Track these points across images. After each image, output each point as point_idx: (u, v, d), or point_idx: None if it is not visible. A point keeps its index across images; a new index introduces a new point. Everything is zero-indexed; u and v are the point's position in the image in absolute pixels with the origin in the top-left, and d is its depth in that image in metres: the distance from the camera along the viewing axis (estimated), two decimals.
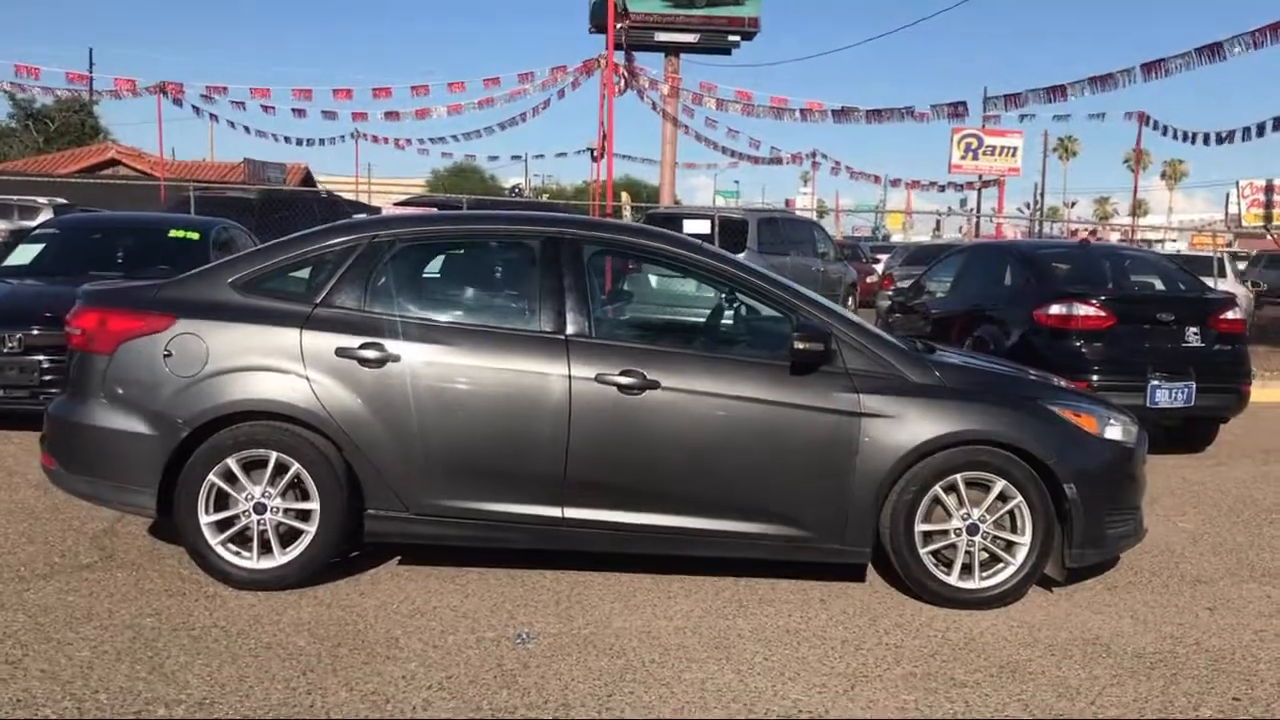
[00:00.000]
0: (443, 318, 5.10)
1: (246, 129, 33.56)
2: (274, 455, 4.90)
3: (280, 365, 4.91)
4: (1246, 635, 4.87)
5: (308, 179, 42.65)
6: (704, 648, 4.48)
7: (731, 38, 39.74)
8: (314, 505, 4.93)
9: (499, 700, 3.92)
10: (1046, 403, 5.20)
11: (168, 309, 5.00)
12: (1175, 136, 29.30)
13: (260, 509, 4.94)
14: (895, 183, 50.05)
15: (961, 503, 5.03)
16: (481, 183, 72.03)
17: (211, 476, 4.91)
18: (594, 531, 5.02)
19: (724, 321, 5.58)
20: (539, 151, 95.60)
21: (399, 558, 5.46)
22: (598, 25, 38.14)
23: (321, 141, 40.67)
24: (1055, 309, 8.62)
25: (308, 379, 4.89)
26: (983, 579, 5.07)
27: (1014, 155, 42.05)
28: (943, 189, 43.74)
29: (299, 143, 36.78)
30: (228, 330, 4.96)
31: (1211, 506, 7.30)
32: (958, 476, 5.01)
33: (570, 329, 4.99)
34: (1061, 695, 4.13)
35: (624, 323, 5.58)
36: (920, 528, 5.02)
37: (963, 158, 41.53)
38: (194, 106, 32.50)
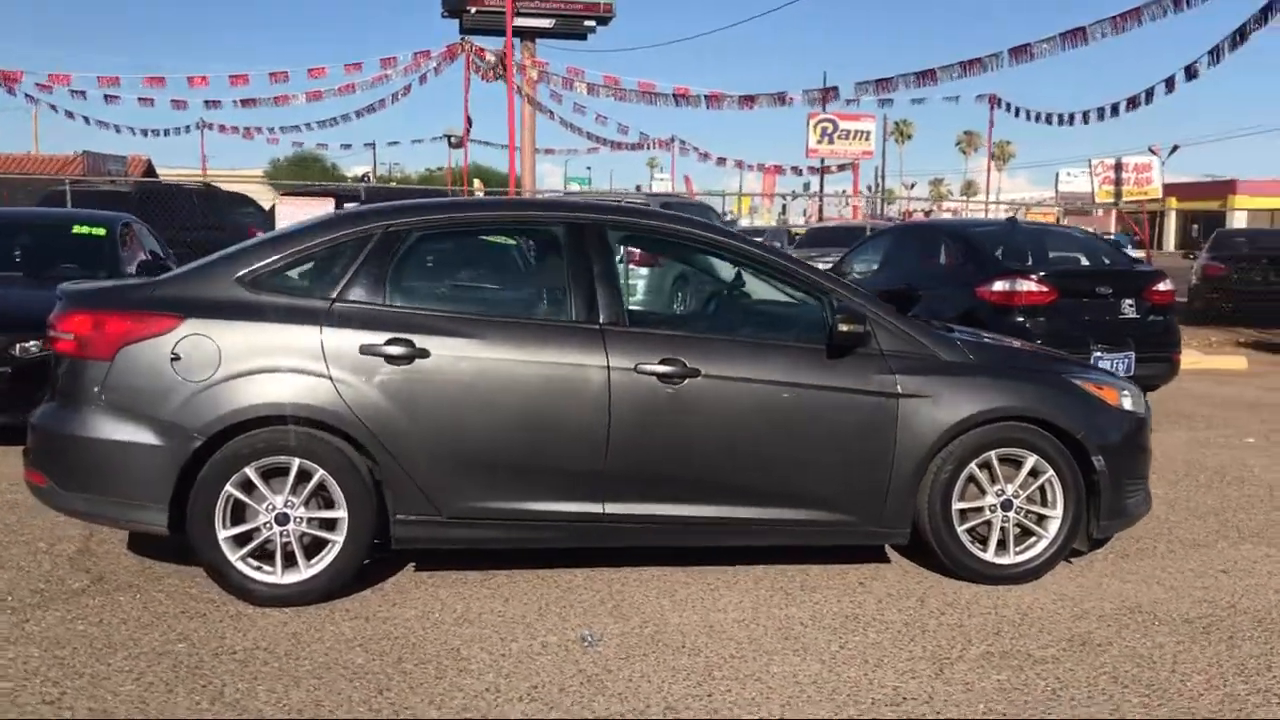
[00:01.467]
0: (470, 309, 4.86)
1: (86, 119, 31.82)
2: (296, 462, 4.59)
3: (301, 366, 4.59)
4: (1271, 595, 5.02)
5: (149, 171, 40.71)
6: (774, 639, 4.39)
7: (587, 23, 39.54)
8: (340, 513, 4.64)
9: (598, 707, 3.75)
10: (1071, 377, 5.26)
11: (173, 309, 4.62)
12: (1029, 118, 30.53)
13: (282, 520, 4.62)
14: (750, 166, 50.60)
15: (995, 479, 5.06)
16: (323, 172, 70.13)
17: (229, 488, 4.57)
18: (636, 526, 4.87)
19: (756, 306, 5.47)
20: (395, 139, 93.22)
21: (414, 564, 5.20)
22: (451, 10, 37.50)
23: (166, 132, 38.69)
24: (999, 285, 8.81)
25: (331, 379, 4.59)
26: (1017, 554, 5.11)
27: (868, 139, 43.09)
28: (800, 173, 44.56)
29: (142, 134, 35.00)
30: (240, 330, 4.62)
31: (1169, 473, 7.55)
32: (992, 453, 5.03)
33: (604, 317, 4.81)
34: (1141, 665, 4.18)
35: (656, 309, 5.42)
36: (957, 506, 5.03)
37: (819, 142, 42.32)
38: (26, 95, 30.66)
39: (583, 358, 4.73)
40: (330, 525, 4.67)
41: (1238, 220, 62.42)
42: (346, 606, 4.67)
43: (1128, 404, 5.32)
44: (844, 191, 43.97)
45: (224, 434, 4.56)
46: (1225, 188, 68.55)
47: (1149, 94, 22.32)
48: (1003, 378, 5.11)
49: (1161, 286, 9.16)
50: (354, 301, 4.72)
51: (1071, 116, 26.87)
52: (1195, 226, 65.75)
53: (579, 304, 4.83)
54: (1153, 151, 69.58)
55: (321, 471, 4.61)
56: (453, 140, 49.24)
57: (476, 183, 44.59)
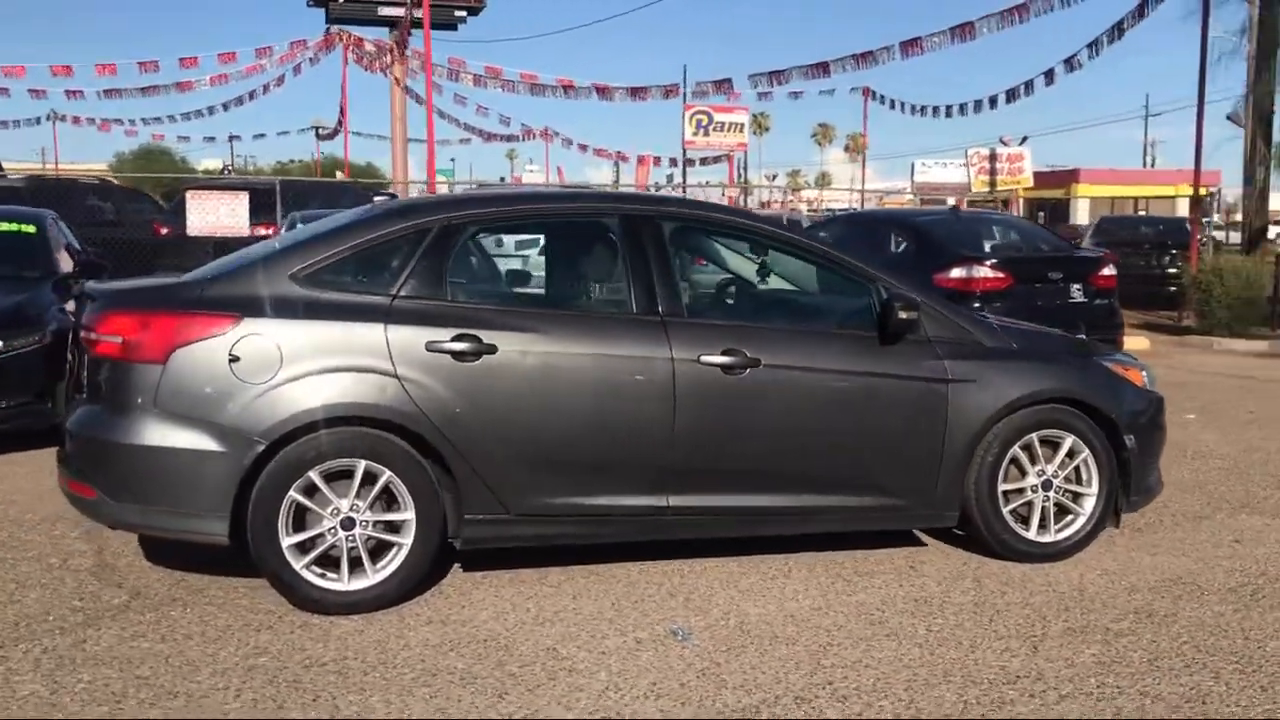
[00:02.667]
0: (533, 304, 4.77)
1: None
2: (362, 464, 4.44)
3: (366, 365, 4.44)
4: (1265, 561, 5.28)
5: None
6: (859, 625, 4.43)
7: (458, 13, 39.12)
8: (408, 515, 4.51)
9: (729, 700, 3.73)
10: (1102, 359, 5.45)
11: (228, 308, 4.42)
12: (904, 110, 31.37)
13: (348, 524, 4.47)
14: (626, 158, 50.70)
15: (1035, 460, 5.21)
16: (172, 165, 67.52)
17: (292, 493, 4.39)
18: (699, 519, 4.87)
19: (805, 295, 5.50)
20: (261, 131, 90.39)
21: (459, 565, 5.08)
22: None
23: (16, 124, 36.80)
24: (956, 272, 9.05)
25: (398, 378, 4.45)
26: (1056, 532, 5.27)
27: (742, 131, 43.57)
28: (676, 164, 44.85)
29: None
30: (300, 329, 4.44)
31: None
32: (1034, 435, 5.18)
33: (663, 309, 4.78)
34: (1215, 634, 4.36)
35: (712, 300, 5.39)
36: (1002, 487, 5.16)
37: (695, 134, 42.59)
38: None
39: (647, 350, 4.70)
40: (395, 528, 4.53)
41: (1081, 208, 65.18)
42: (414, 611, 4.54)
43: (1149, 385, 5.54)
44: (705, 183, 44.33)
45: (286, 438, 4.38)
46: (1069, 177, 71.51)
47: (1029, 85, 23.25)
48: (1042, 362, 5.26)
49: (1106, 271, 9.55)
50: (415, 297, 4.59)
51: (949, 109, 27.75)
52: (1041, 214, 68.46)
53: (639, 296, 4.78)
54: (1003, 142, 72.05)
55: (388, 473, 4.46)
56: (321, 132, 48.10)
57: (339, 174, 43.66)
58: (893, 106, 31.79)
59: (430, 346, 4.49)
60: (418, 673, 3.93)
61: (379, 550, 4.54)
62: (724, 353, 4.75)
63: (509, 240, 5.42)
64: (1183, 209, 49.21)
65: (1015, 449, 5.16)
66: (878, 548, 5.39)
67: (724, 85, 26.39)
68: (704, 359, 4.73)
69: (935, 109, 28.22)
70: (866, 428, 4.95)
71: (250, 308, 4.42)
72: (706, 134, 43.39)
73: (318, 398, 4.38)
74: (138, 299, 4.55)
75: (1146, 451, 5.40)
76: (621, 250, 4.85)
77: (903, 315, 4.86)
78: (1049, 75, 22.02)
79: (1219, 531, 5.81)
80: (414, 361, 4.47)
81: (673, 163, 44.40)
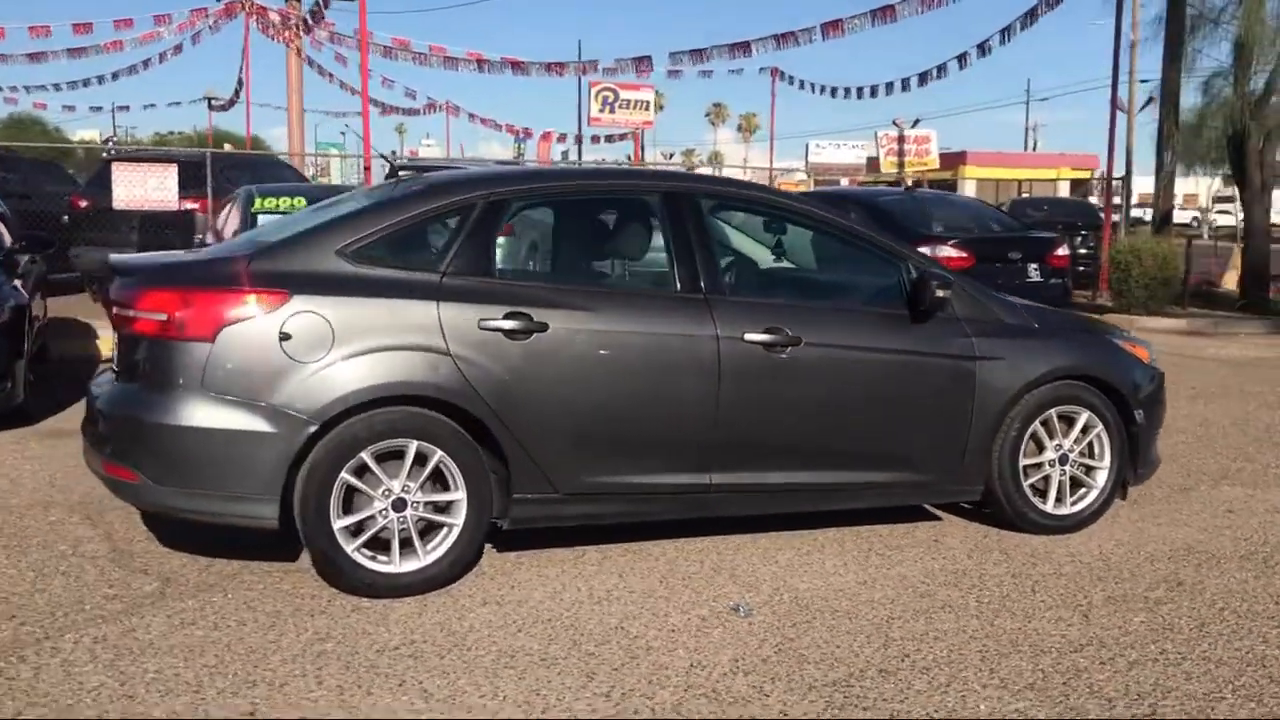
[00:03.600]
0: (579, 281, 4.74)
1: None
2: (414, 444, 4.36)
3: (419, 343, 4.36)
4: (1275, 531, 5.53)
5: None
6: (911, 598, 4.51)
7: None
8: (459, 495, 4.44)
9: (815, 675, 3.77)
10: (1113, 337, 5.62)
11: (278, 284, 4.28)
12: (814, 90, 31.72)
13: (399, 505, 4.38)
14: (530, 134, 50.20)
15: (1053, 434, 5.35)
16: (44, 134, 64.76)
17: (344, 475, 4.29)
18: (740, 495, 4.90)
19: (837, 273, 5.54)
20: (151, 101, 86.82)
21: (490, 548, 5.02)
22: None
23: None
24: (922, 251, 9.18)
25: (451, 356, 4.38)
26: (1071, 505, 5.43)
27: (648, 109, 43.57)
28: (581, 141, 44.65)
29: None
30: (353, 306, 4.33)
31: None
32: (1053, 411, 5.32)
33: (706, 287, 4.79)
34: (1247, 600, 4.55)
35: (750, 277, 5.39)
36: (1023, 462, 5.29)
37: (601, 111, 42.45)
38: None
39: (693, 328, 4.70)
40: (445, 509, 4.46)
41: (968, 189, 66.70)
42: (465, 593, 4.48)
43: (1152, 361, 5.73)
44: (601, 160, 44.11)
45: (338, 418, 4.27)
46: (957, 159, 73.06)
47: (940, 69, 23.71)
48: (1060, 339, 5.40)
49: (1060, 251, 9.82)
50: (465, 275, 4.51)
51: (861, 90, 28.15)
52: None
53: (683, 273, 4.78)
54: (896, 125, 72.98)
55: (440, 453, 4.39)
56: (214, 103, 46.67)
57: (227, 146, 42.44)
58: (802, 87, 32.21)
59: (483, 325, 4.42)
60: (495, 655, 3.89)
61: (427, 532, 4.47)
62: (766, 331, 4.78)
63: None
64: (1064, 191, 50.81)
65: (1035, 424, 5.29)
66: (893, 522, 5.48)
67: (642, 62, 26.27)
68: (748, 337, 4.75)
69: (837, 90, 28.45)
70: (900, 405, 5.04)
71: (300, 284, 4.29)
72: (613, 111, 43.24)
73: (371, 377, 4.28)
74: (182, 274, 4.38)
75: (1152, 425, 5.60)
76: (664, 227, 4.84)
77: (940, 293, 4.94)
78: (962, 59, 22.46)
79: (1209, 502, 6.05)
80: (467, 340, 4.40)
81: (577, 139, 44.16)
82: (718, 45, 23.40)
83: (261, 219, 8.71)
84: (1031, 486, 5.36)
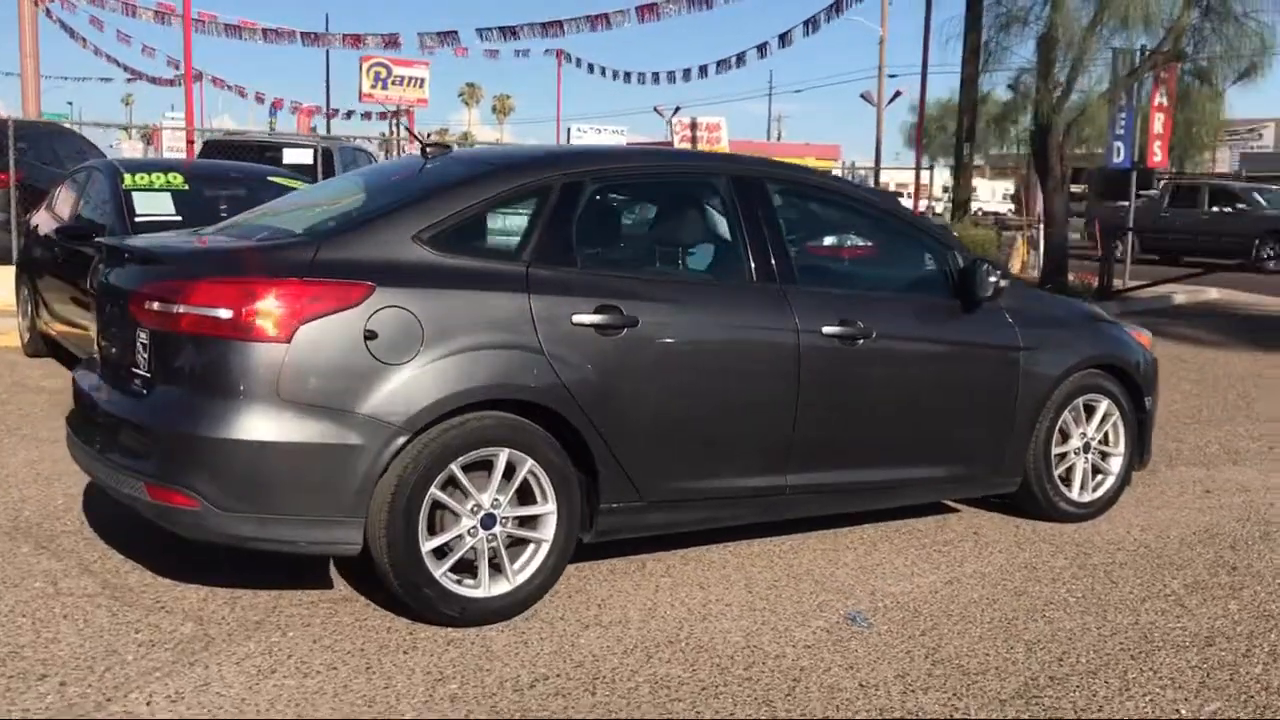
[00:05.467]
0: (660, 270, 4.38)
1: None
2: (505, 453, 3.90)
3: (512, 341, 3.90)
4: (1264, 508, 5.78)
5: None
6: (1007, 597, 4.40)
7: None
8: (549, 508, 4.02)
9: (991, 685, 3.59)
10: (1123, 326, 5.70)
11: (359, 275, 3.72)
12: (602, 74, 31.64)
13: (488, 522, 3.92)
14: (295, 107, 47.88)
15: (1078, 423, 5.39)
16: None
17: (433, 489, 3.80)
18: (811, 496, 4.68)
19: (889, 262, 5.34)
20: None
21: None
22: None
23: None
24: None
25: (545, 355, 3.94)
26: (1093, 492, 5.48)
27: (422, 86, 42.35)
28: (350, 117, 42.92)
29: None
30: (441, 299, 3.83)
31: None
32: (1080, 399, 5.35)
33: (780, 277, 4.53)
34: None
35: (814, 267, 5.10)
36: (1055, 450, 5.30)
37: (373, 87, 40.98)
38: None
39: (774, 321, 4.44)
40: (532, 523, 4.02)
41: None
42: (552, 616, 4.06)
43: (1151, 348, 5.87)
44: (351, 138, 42.59)
45: (427, 426, 3.77)
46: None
47: (740, 58, 24.12)
48: (1085, 329, 5.44)
49: None
50: (550, 264, 4.07)
51: (657, 75, 28.29)
52: None
53: (757, 263, 4.49)
54: (658, 112, 73.80)
55: (530, 462, 3.95)
56: None
57: None
58: (592, 71, 31.98)
59: (576, 319, 4.00)
60: (648, 686, 3.51)
61: (512, 550, 4.02)
62: (840, 323, 4.56)
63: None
64: None
65: (1065, 413, 5.30)
66: (908, 517, 5.35)
67: (449, 36, 25.39)
68: (825, 330, 4.52)
69: (620, 73, 28.49)
70: (955, 397, 4.94)
71: (382, 275, 3.75)
72: (385, 87, 41.89)
73: (465, 379, 3.80)
74: (245, 264, 3.73)
75: (1154, 412, 5.72)
76: (734, 212, 4.53)
77: (1002, 284, 4.86)
78: (762, 49, 22.89)
79: (1183, 485, 6.24)
80: (559, 336, 3.97)
81: (347, 115, 42.40)
82: (530, 23, 22.76)
83: (138, 198, 7.78)
84: (1060, 475, 5.37)
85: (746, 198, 4.53)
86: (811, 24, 23.08)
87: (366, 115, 46.82)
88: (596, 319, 4.03)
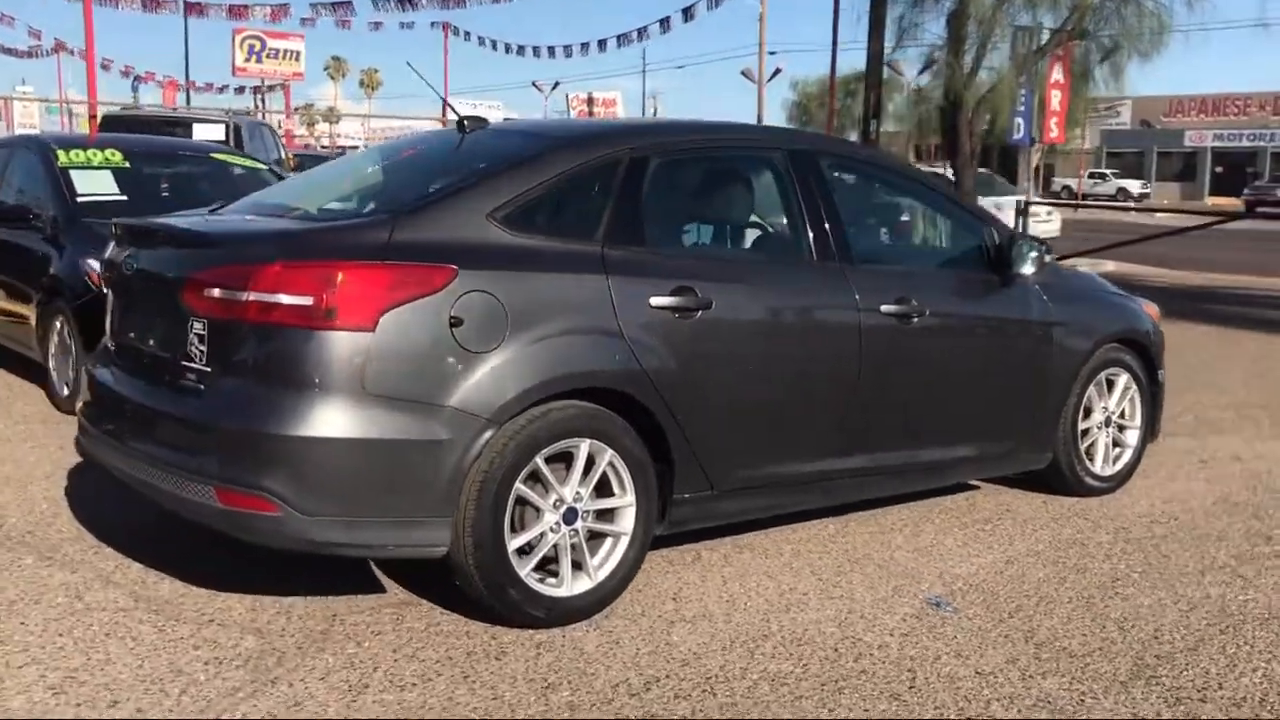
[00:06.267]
0: (727, 249, 4.21)
1: None
2: (585, 444, 3.70)
3: (593, 326, 3.70)
4: (1264, 476, 5.91)
5: None
6: (1077, 575, 4.36)
7: None
8: (627, 500, 3.83)
9: (1104, 668, 3.53)
10: (1135, 299, 5.74)
11: (441, 258, 3.46)
12: (496, 48, 31.14)
13: (570, 517, 3.71)
14: (157, 80, 45.89)
15: (1101, 396, 5.41)
16: None
17: (519, 484, 3.57)
18: (869, 479, 4.59)
19: (936, 237, 5.24)
20: None
21: None
22: None
23: None
24: None
25: (625, 340, 3.74)
26: (1113, 465, 5.52)
27: (298, 59, 41.00)
28: (224, 91, 41.38)
29: None
30: (524, 282, 3.59)
31: None
32: (1103, 373, 5.37)
33: (838, 254, 4.40)
34: None
35: (866, 244, 4.96)
36: (1080, 425, 5.31)
37: (246, 60, 39.53)
38: None
39: (838, 299, 4.32)
40: (611, 516, 3.83)
41: None
42: (632, 612, 3.88)
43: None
44: (227, 110, 41.07)
45: (514, 417, 3.54)
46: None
47: (642, 31, 23.97)
48: (1106, 303, 5.46)
49: None
50: (622, 244, 3.86)
51: (537, 50, 27.91)
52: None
53: (817, 239, 4.36)
54: (536, 87, 73.48)
55: (610, 452, 3.75)
56: None
57: None
58: (483, 44, 31.40)
59: (654, 302, 3.81)
60: (766, 683, 3.36)
61: (590, 545, 3.82)
62: (897, 301, 4.46)
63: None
64: None
65: (1090, 387, 5.31)
66: (936, 497, 5.30)
67: (342, 8, 24.55)
68: (883, 308, 4.41)
69: (510, 46, 28.15)
70: (998, 374, 4.90)
71: (464, 257, 3.49)
72: (260, 61, 40.46)
73: (552, 367, 3.58)
74: (320, 245, 3.43)
75: (1165, 385, 5.78)
76: (792, 188, 4.38)
77: (1048, 258, 4.83)
78: (665, 23, 22.77)
79: (1178, 457, 6.32)
80: (638, 320, 3.78)
81: (188, 88, 40.70)
82: None
83: (78, 176, 7.26)
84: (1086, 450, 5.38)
85: (803, 172, 4.38)
86: (688, 13, 23.21)
87: (223, 89, 45.26)
88: (673, 301, 3.85)
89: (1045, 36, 17.29)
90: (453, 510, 3.44)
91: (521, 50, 30.99)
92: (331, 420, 3.28)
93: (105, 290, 4.25)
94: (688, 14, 22.90)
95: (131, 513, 4.66)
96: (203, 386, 3.45)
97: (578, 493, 3.70)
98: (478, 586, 3.56)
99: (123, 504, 4.73)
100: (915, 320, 4.49)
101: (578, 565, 3.74)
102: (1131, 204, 48.64)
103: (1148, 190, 58.98)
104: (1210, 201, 56.32)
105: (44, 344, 6.78)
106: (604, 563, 3.79)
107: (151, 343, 3.76)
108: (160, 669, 3.33)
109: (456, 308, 3.41)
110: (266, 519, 3.30)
